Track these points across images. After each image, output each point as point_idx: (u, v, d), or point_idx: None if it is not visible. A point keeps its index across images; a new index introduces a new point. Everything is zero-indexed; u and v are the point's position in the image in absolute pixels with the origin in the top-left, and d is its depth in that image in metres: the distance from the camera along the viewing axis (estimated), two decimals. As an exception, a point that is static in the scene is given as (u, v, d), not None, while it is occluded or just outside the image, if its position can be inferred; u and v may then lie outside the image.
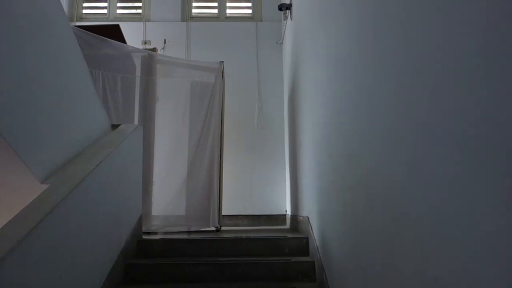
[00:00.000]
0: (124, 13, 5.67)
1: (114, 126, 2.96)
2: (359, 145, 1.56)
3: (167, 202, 3.88)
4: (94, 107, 2.63)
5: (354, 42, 1.67)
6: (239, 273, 2.50)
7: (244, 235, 3.26)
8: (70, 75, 2.31)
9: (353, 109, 1.66)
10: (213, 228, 3.88)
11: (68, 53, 2.29)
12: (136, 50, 4.06)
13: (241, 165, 5.07)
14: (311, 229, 2.73)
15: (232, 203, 4.79)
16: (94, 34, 3.63)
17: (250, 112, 5.29)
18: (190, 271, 2.52)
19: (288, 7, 4.03)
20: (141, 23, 5.48)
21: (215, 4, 5.73)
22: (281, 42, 5.39)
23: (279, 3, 5.45)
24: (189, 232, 3.83)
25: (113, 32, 3.94)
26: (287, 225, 4.84)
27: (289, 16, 4.11)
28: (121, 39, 3.99)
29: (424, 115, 0.98)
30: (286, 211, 5.02)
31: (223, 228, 4.08)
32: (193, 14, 5.67)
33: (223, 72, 4.02)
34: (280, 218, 5.04)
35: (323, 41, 2.38)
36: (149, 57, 3.96)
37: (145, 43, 5.33)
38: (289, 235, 3.01)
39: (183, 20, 5.57)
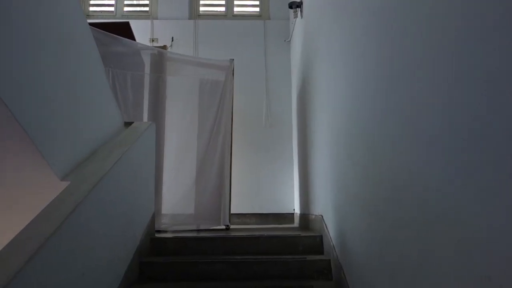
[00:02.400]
0: (131, 11, 5.65)
1: (127, 124, 2.95)
2: (386, 144, 1.54)
3: (177, 200, 3.87)
4: (109, 105, 2.62)
5: (378, 38, 1.65)
6: (255, 271, 2.49)
7: (255, 233, 3.24)
8: (87, 73, 2.30)
9: (378, 107, 1.65)
10: (221, 227, 3.87)
11: (86, 51, 2.28)
12: (146, 47, 4.05)
13: (249, 163, 5.06)
14: (326, 227, 2.72)
15: (240, 202, 4.77)
16: (105, 32, 3.61)
17: (257, 111, 5.28)
18: (205, 269, 2.51)
19: (299, 5, 4.02)
20: (148, 21, 5.46)
21: (223, 2, 5.71)
22: (289, 41, 5.38)
23: (287, 1, 5.45)
24: (198, 231, 3.82)
25: (122, 30, 3.92)
26: (295, 224, 4.83)
27: (299, 14, 4.09)
28: (131, 36, 3.97)
29: (468, 111, 0.96)
30: (294, 209, 5.01)
31: (231, 226, 4.07)
32: (200, 12, 5.65)
33: (233, 70, 4.00)
34: (288, 217, 5.03)
35: (340, 39, 2.36)
36: (159, 55, 3.95)
37: (153, 40, 5.31)
38: (303, 234, 2.99)
39: (190, 18, 5.55)
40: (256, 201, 5.03)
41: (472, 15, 0.95)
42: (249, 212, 5.00)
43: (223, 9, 5.70)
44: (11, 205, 1.99)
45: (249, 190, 4.99)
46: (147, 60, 4.04)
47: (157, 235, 3.09)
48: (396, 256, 1.44)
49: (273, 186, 5.11)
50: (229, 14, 5.66)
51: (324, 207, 2.86)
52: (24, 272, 1.18)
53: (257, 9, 5.70)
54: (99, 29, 3.64)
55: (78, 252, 1.60)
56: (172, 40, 5.32)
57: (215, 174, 3.84)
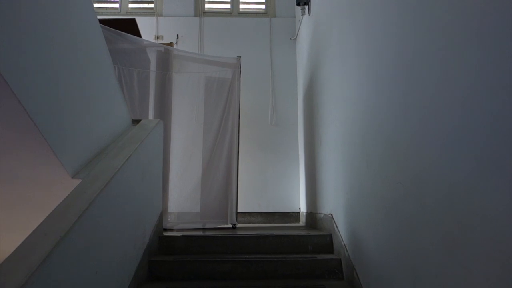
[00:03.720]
0: (136, 8, 5.62)
1: (135, 121, 2.93)
2: (406, 141, 1.51)
3: (183, 199, 3.84)
4: (117, 102, 2.59)
5: (399, 35, 1.62)
6: (265, 271, 2.47)
7: (262, 232, 3.22)
8: (97, 71, 2.28)
9: (397, 104, 1.62)
10: (227, 226, 3.85)
11: (97, 50, 2.26)
12: (153, 44, 4.02)
13: (255, 162, 5.03)
14: (336, 226, 2.69)
15: (245, 200, 4.75)
16: (111, 28, 3.59)
17: (263, 109, 5.25)
18: (215, 268, 2.49)
19: (307, 2, 3.98)
20: (153, 18, 5.43)
21: (228, -1, 5.69)
22: (295, 38, 5.34)
23: (293, -1, 5.41)
24: (203, 229, 3.80)
25: (129, 26, 3.89)
26: (301, 222, 4.81)
27: (307, 11, 4.06)
28: (137, 33, 3.94)
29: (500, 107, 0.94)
30: (299, 208, 4.98)
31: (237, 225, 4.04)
32: (205, 9, 5.62)
33: (240, 68, 3.97)
34: (294, 215, 5.01)
35: (355, 36, 2.33)
36: (166, 52, 3.91)
37: (158, 38, 5.28)
38: (312, 233, 2.97)
39: (195, 15, 5.51)
40: (262, 199, 5.01)
41: (496, 14, 0.92)
42: (255, 210, 4.97)
43: (228, 6, 5.66)
44: (22, 202, 1.97)
45: (254, 188, 4.97)
46: (152, 57, 4.01)
47: (167, 233, 3.06)
48: (417, 255, 1.41)
49: (279, 185, 5.08)
50: (234, 12, 5.63)
51: (334, 206, 2.83)
52: (42, 270, 1.16)
53: (263, 6, 5.66)
54: (105, 26, 3.62)
55: (91, 251, 1.58)
56: (177, 37, 5.29)
57: (222, 172, 3.81)
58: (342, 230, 2.56)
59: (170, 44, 4.07)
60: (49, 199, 1.93)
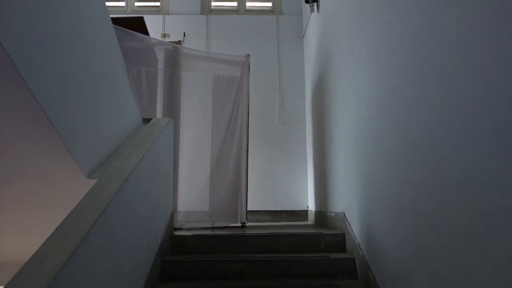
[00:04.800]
0: (143, 6, 5.60)
1: (145, 120, 2.91)
2: (428, 141, 1.49)
3: (192, 197, 3.83)
4: (129, 101, 2.58)
5: (415, 31, 1.60)
6: (280, 270, 2.46)
7: (272, 231, 3.20)
8: (110, 70, 2.27)
9: (417, 104, 1.59)
10: (236, 225, 3.83)
11: (109, 49, 2.26)
12: (161, 42, 4.00)
13: (262, 160, 5.01)
14: (349, 225, 2.67)
15: (253, 199, 4.72)
16: (120, 27, 3.56)
17: (270, 107, 5.22)
18: (228, 268, 2.47)
19: (315, -1, 3.95)
20: (160, 16, 5.40)
21: (235, -3, 5.66)
22: (302, 36, 5.31)
23: (299, -4, 5.38)
24: (212, 228, 3.78)
25: (136, 25, 3.87)
26: (309, 221, 4.79)
27: (316, 9, 4.03)
28: (145, 31, 3.93)
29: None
30: (307, 206, 4.96)
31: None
32: (212, 7, 5.59)
33: (249, 66, 3.95)
34: (302, 214, 4.99)
35: (368, 35, 2.30)
36: (174, 50, 3.89)
37: (164, 36, 5.26)
38: (324, 231, 2.95)
39: (202, 13, 5.49)
40: (269, 198, 4.99)
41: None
42: (262, 209, 4.96)
43: (235, 4, 5.63)
44: (38, 202, 1.96)
45: (262, 187, 4.95)
46: (160, 55, 3.99)
47: (178, 233, 3.05)
48: (437, 254, 1.39)
49: (286, 183, 5.06)
50: (241, 9, 5.60)
51: (347, 205, 2.81)
52: (65, 272, 1.14)
53: (270, 4, 5.63)
54: (114, 25, 3.60)
55: (109, 252, 1.57)
56: (184, 36, 5.27)
57: (231, 171, 3.79)
58: (355, 229, 2.54)
59: (179, 42, 4.05)
60: (63, 199, 1.92)
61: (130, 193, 1.90)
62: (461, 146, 1.25)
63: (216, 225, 3.83)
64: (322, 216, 3.84)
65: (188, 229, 3.56)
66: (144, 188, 2.21)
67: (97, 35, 2.06)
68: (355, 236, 2.52)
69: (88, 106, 1.89)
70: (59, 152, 1.66)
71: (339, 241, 2.77)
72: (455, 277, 1.28)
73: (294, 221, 4.90)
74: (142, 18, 3.93)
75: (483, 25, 1.10)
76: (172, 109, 3.84)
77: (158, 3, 5.58)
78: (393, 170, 1.86)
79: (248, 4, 5.63)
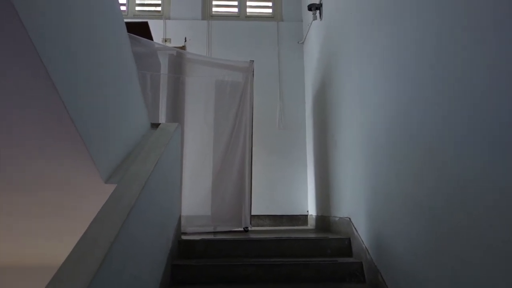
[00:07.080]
0: (143, 10, 5.62)
1: (153, 125, 2.93)
2: (450, 148, 1.54)
3: (195, 202, 3.84)
4: (139, 106, 2.60)
5: (427, 38, 1.66)
6: (288, 274, 2.49)
7: (276, 235, 3.24)
8: (124, 74, 2.29)
9: (438, 111, 1.65)
10: (239, 229, 3.85)
11: (123, 53, 2.28)
12: (166, 48, 4.03)
13: (262, 165, 5.04)
14: (355, 229, 2.72)
15: (254, 203, 4.74)
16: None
17: (271, 113, 5.26)
18: (237, 272, 2.50)
19: (318, 7, 4.02)
20: (161, 21, 5.43)
21: (235, 3, 5.70)
22: (303, 42, 5.38)
23: (300, 3, 5.46)
24: (215, 233, 3.80)
25: (141, 30, 3.89)
26: (309, 225, 4.83)
27: (318, 16, 4.09)
28: (149, 36, 3.95)
29: None
30: (307, 211, 5.01)
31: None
32: (213, 13, 5.63)
33: (253, 72, 3.99)
34: (302, 219, 5.04)
35: (377, 40, 2.36)
36: (178, 55, 3.92)
37: (165, 41, 5.28)
38: (330, 236, 3.00)
39: (203, 18, 5.53)
40: (270, 202, 5.02)
41: None
42: (263, 213, 4.99)
43: (235, 10, 5.68)
44: (59, 209, 1.97)
45: (263, 192, 4.98)
46: (163, 60, 4.01)
47: (185, 237, 3.07)
48: (456, 261, 1.44)
49: (287, 188, 5.11)
50: (241, 15, 5.65)
51: (353, 209, 2.86)
52: (98, 278, 1.16)
53: (270, 10, 5.69)
54: (120, 29, 3.62)
55: (131, 256, 1.59)
56: (185, 41, 5.29)
57: (235, 176, 3.82)
58: (362, 234, 2.58)
59: (183, 47, 4.07)
60: (81, 204, 1.93)
61: (148, 198, 1.93)
62: (473, 146, 1.30)
63: (218, 229, 3.85)
64: (324, 220, 3.89)
65: (190, 234, 3.58)
66: (157, 193, 2.23)
67: (118, 43, 2.09)
68: (362, 241, 2.57)
69: (107, 110, 1.91)
70: (78, 156, 1.68)
71: (345, 246, 2.81)
72: (475, 285, 1.32)
73: (294, 226, 4.94)
74: (146, 23, 3.95)
75: (489, 27, 1.15)
76: (177, 114, 3.87)
77: (159, 8, 5.60)
78: (408, 179, 1.90)
79: (249, 10, 5.69)
